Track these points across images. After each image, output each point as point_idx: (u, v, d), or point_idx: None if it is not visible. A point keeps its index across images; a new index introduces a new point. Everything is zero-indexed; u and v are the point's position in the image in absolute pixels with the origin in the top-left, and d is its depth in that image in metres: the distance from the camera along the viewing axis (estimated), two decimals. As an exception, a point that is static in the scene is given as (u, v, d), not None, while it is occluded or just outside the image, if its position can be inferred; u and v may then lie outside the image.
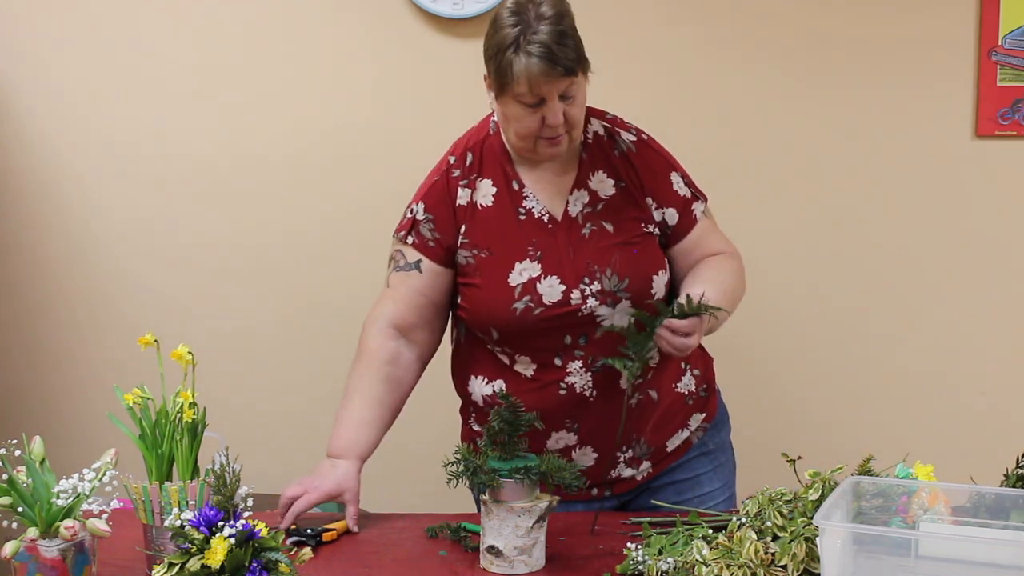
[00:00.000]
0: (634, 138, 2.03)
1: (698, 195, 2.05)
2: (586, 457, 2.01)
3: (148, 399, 1.69)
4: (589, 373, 1.95)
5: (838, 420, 3.00)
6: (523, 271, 1.94)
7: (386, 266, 2.08)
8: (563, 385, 1.96)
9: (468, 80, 2.95)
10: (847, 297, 2.99)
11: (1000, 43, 2.86)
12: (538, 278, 1.93)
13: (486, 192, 1.99)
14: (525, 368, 1.98)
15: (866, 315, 2.99)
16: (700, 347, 2.16)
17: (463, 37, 2.87)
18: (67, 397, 3.07)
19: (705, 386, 2.12)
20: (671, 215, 2.01)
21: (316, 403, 3.04)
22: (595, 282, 1.93)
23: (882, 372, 3.00)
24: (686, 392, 2.07)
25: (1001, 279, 2.96)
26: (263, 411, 3.04)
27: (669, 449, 2.06)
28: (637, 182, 2.00)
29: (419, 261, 2.00)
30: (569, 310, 1.92)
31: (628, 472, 2.04)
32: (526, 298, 1.93)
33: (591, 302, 1.92)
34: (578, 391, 1.96)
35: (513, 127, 1.91)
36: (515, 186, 1.98)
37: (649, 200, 2.00)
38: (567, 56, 1.83)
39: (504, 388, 1.98)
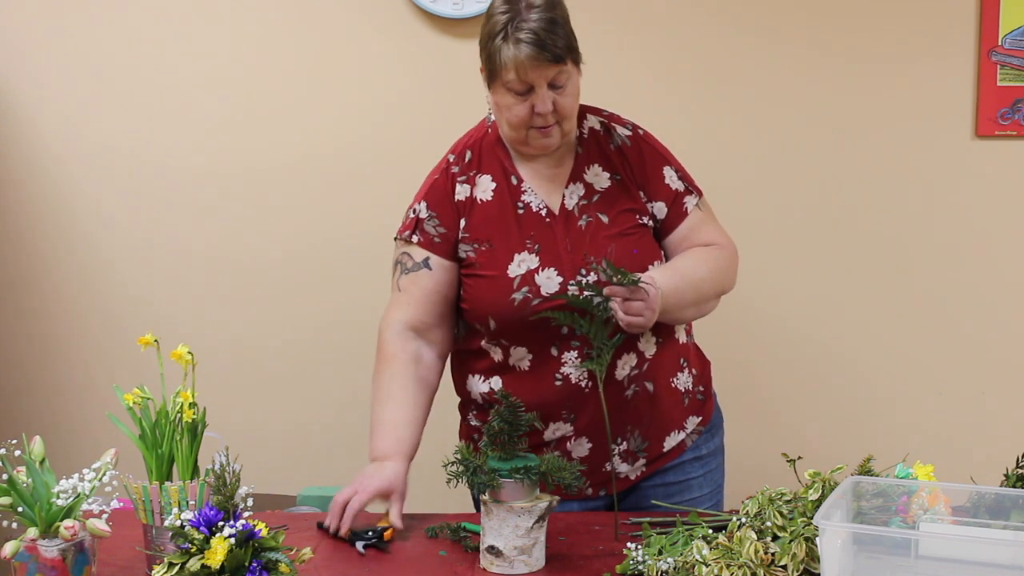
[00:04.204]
0: (629, 132, 2.07)
1: (692, 189, 2.07)
2: (580, 447, 2.02)
3: (148, 399, 1.69)
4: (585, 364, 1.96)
5: (838, 420, 3.00)
6: (522, 263, 1.97)
7: (391, 272, 2.08)
8: (559, 376, 1.97)
9: (468, 80, 2.96)
10: (846, 296, 2.98)
11: (1000, 43, 2.86)
12: (536, 270, 1.96)
13: (485, 187, 2.02)
14: (520, 362, 1.99)
15: (866, 314, 2.98)
16: (697, 349, 2.17)
17: (463, 37, 2.87)
18: (67, 397, 3.06)
19: (702, 388, 2.13)
20: (660, 208, 2.04)
21: (315, 404, 3.06)
22: (591, 274, 1.95)
23: (882, 372, 3.00)
24: (683, 390, 2.07)
25: (1001, 279, 2.96)
26: (263, 412, 3.04)
27: (665, 448, 2.06)
28: (631, 175, 2.03)
29: (427, 259, 2.02)
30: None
31: (623, 468, 2.04)
32: (524, 289, 1.95)
33: (587, 293, 1.93)
34: (574, 382, 1.97)
35: (504, 116, 1.95)
36: (514, 181, 2.02)
37: (641, 193, 2.03)
38: (555, 44, 1.86)
39: (501, 386, 2.00)
